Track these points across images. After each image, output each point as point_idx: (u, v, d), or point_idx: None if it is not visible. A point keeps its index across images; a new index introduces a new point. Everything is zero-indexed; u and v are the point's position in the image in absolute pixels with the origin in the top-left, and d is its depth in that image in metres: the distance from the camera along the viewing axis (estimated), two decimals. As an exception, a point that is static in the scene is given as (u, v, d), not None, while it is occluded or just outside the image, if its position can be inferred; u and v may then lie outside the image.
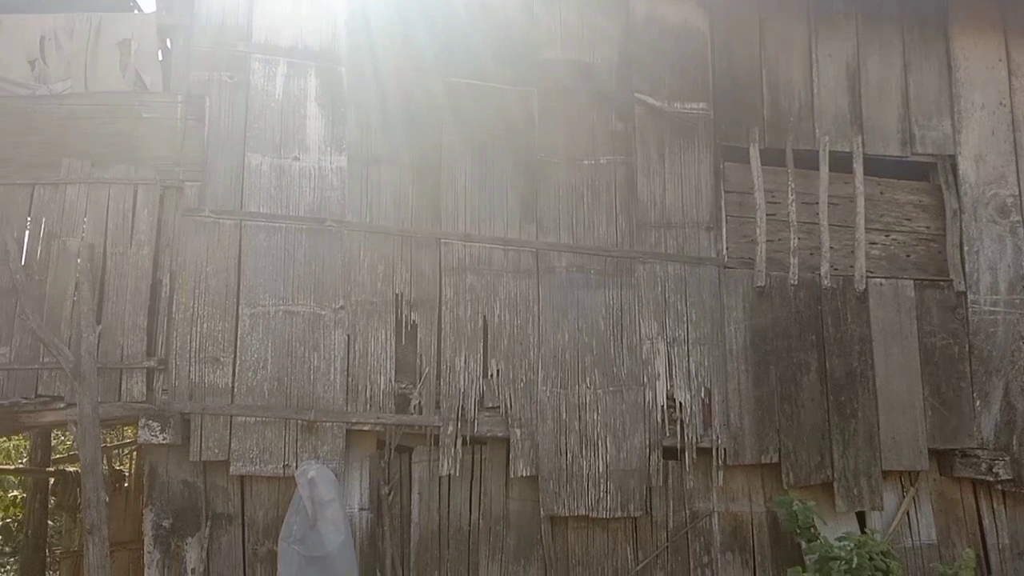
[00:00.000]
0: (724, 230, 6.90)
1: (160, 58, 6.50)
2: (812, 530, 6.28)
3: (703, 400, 6.53)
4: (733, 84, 7.18)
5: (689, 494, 6.49)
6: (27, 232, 5.97)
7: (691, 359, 6.56)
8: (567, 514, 6.23)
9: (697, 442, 6.45)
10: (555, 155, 6.70)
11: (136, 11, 7.42)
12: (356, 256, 6.24)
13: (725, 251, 6.86)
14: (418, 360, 6.21)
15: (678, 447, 6.44)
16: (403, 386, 6.17)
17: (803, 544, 6.34)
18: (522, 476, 6.20)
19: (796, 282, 6.89)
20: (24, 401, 5.64)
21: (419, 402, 6.14)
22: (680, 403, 6.48)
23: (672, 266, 6.68)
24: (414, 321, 6.26)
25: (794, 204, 7.00)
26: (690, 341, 6.59)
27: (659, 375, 6.47)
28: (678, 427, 6.45)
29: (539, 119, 6.72)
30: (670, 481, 6.43)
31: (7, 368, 5.68)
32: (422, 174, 6.48)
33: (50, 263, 5.87)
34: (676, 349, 6.55)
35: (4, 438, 11.83)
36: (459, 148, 6.55)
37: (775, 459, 6.60)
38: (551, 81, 6.80)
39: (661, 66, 7.02)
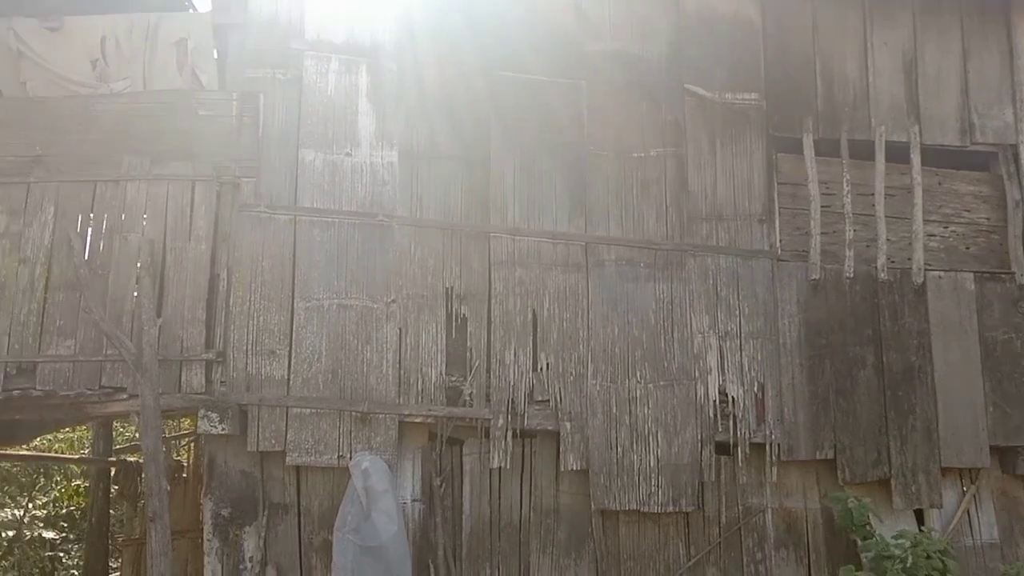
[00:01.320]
0: (777, 222, 6.81)
1: (215, 56, 6.63)
2: (867, 528, 6.17)
3: (756, 395, 6.45)
4: (785, 74, 7.07)
5: (742, 490, 6.42)
6: (90, 228, 6.15)
7: (744, 353, 6.49)
8: (618, 508, 6.21)
9: (750, 437, 6.38)
10: (604, 148, 6.67)
11: (191, 10, 7.58)
12: (406, 250, 6.30)
13: (778, 244, 6.76)
14: (468, 353, 6.25)
15: (731, 442, 6.37)
16: (454, 379, 6.21)
17: (859, 542, 6.23)
18: (572, 470, 6.20)
19: (852, 275, 6.75)
20: (89, 392, 5.82)
21: (469, 395, 6.17)
22: (732, 398, 6.41)
23: (724, 259, 6.61)
24: (464, 314, 6.30)
25: (849, 195, 6.86)
26: (743, 335, 6.51)
27: (711, 369, 6.41)
28: (730, 422, 6.38)
29: (588, 112, 6.70)
30: (722, 476, 6.37)
31: (72, 360, 5.87)
32: (471, 168, 6.52)
33: (112, 258, 6.05)
34: (728, 343, 6.48)
35: (68, 429, 12.22)
36: (507, 142, 6.57)
37: (830, 455, 6.50)
38: (599, 73, 6.78)
39: (712, 57, 6.95)
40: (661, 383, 6.35)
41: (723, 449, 6.40)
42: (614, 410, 6.27)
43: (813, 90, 7.09)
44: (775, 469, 6.39)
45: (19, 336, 5.91)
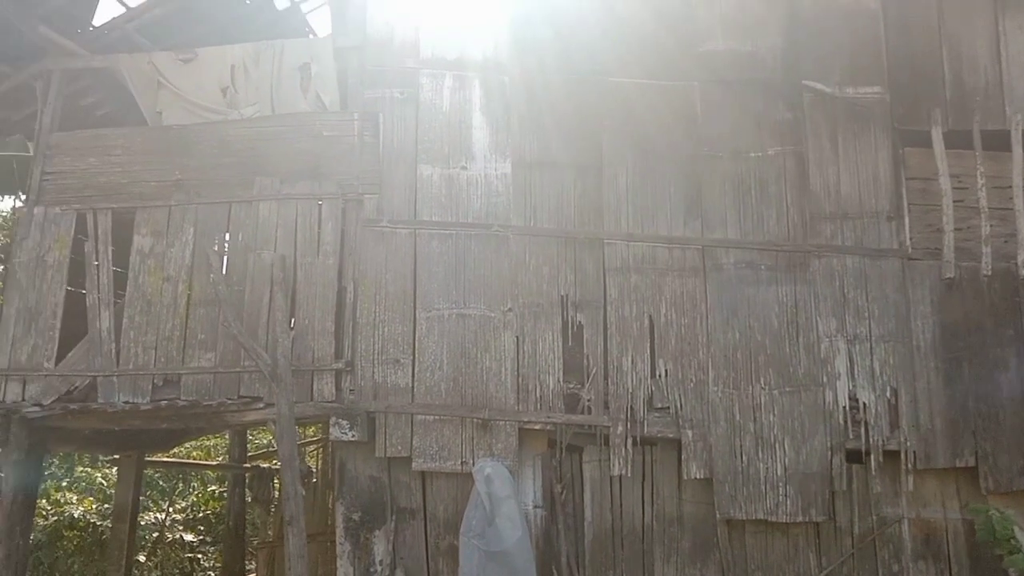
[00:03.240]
0: (906, 219, 6.51)
1: (337, 79, 6.91)
2: (1012, 542, 5.78)
3: (889, 400, 6.18)
4: (910, 64, 6.76)
5: (876, 499, 6.15)
6: (226, 246, 6.53)
7: (874, 357, 6.22)
8: (744, 518, 6.06)
9: (883, 444, 6.11)
10: (719, 149, 6.57)
11: (311, 35, 7.94)
12: (522, 259, 6.38)
13: (908, 242, 6.46)
14: (585, 360, 6.26)
15: (862, 450, 6.12)
16: (571, 386, 6.23)
17: (1005, 557, 5.86)
18: (695, 478, 6.10)
19: (989, 272, 6.37)
20: (229, 402, 6.17)
21: (588, 402, 6.18)
22: (863, 403, 6.16)
23: (850, 259, 6.37)
24: (580, 322, 6.32)
25: (984, 189, 6.48)
26: (873, 338, 6.25)
27: (839, 374, 6.18)
28: (862, 429, 6.13)
29: (701, 113, 6.62)
30: (855, 485, 6.12)
31: (213, 372, 6.23)
32: (583, 175, 6.54)
33: (247, 274, 6.40)
34: (857, 347, 6.23)
35: (205, 437, 12.94)
36: (619, 147, 6.56)
37: (971, 463, 6.14)
38: (712, 73, 6.68)
39: (830, 50, 6.73)
40: (787, 389, 6.17)
41: (854, 457, 6.15)
42: (737, 417, 6.14)
43: (940, 80, 6.76)
44: (911, 478, 6.10)
45: (165, 350, 6.33)
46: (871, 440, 6.10)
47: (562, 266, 6.40)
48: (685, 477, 6.11)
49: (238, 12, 8.28)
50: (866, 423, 6.13)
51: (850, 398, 6.16)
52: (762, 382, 6.19)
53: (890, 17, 6.82)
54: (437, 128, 6.55)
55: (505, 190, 6.47)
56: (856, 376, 6.19)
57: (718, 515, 6.07)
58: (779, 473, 6.06)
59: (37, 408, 6.33)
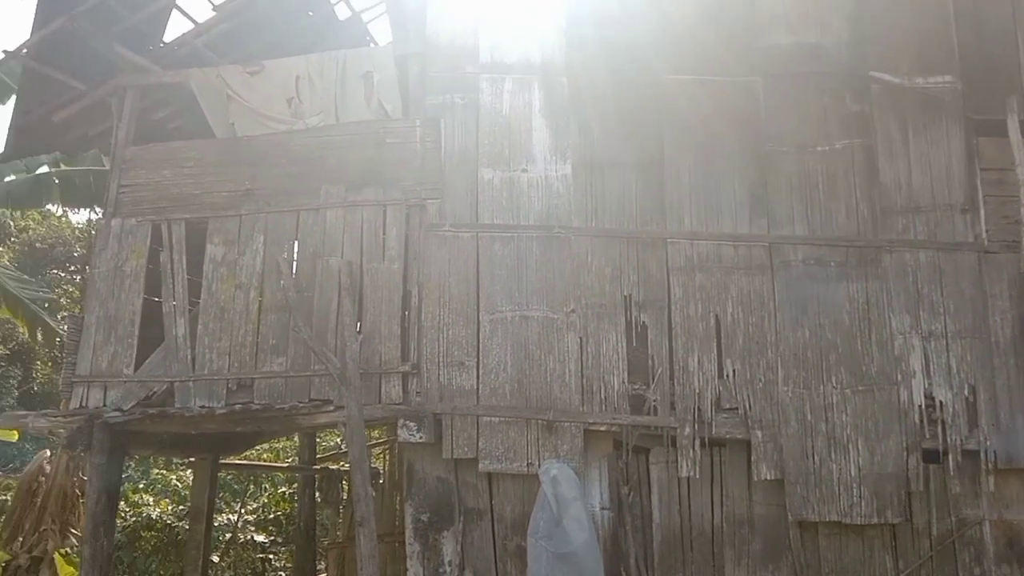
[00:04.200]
0: (982, 212, 6.30)
1: (398, 86, 7.01)
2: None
3: (967, 398, 5.98)
4: (982, 52, 6.54)
5: (955, 500, 5.95)
6: (295, 253, 6.69)
7: (951, 354, 6.03)
8: (817, 519, 5.94)
9: (962, 444, 5.91)
10: (784, 144, 6.46)
11: (372, 44, 8.07)
12: (584, 260, 6.37)
13: (984, 234, 6.25)
14: (650, 361, 6.22)
15: (940, 450, 5.93)
16: (636, 387, 6.20)
17: (1098, 560, 5.62)
18: (766, 479, 6.00)
19: (1072, 264, 6.13)
20: (300, 405, 6.31)
21: (653, 403, 6.13)
22: (940, 402, 5.98)
23: (924, 254, 6.19)
24: (644, 322, 6.28)
25: (1065, 178, 6.23)
26: (949, 335, 6.06)
27: (915, 372, 6.01)
28: (939, 428, 5.95)
29: (765, 108, 6.52)
30: (932, 486, 5.94)
31: (284, 376, 6.39)
32: (645, 174, 6.50)
33: (316, 280, 6.54)
34: (933, 344, 6.05)
35: (274, 439, 13.23)
36: (681, 145, 6.50)
37: (1057, 462, 5.91)
38: (776, 67, 6.58)
39: (898, 40, 6.56)
40: (859, 388, 6.02)
41: (931, 457, 5.97)
42: (808, 417, 6.02)
43: (1016, 67, 6.54)
44: (992, 478, 5.89)
45: (238, 355, 6.52)
46: (949, 439, 5.92)
47: (625, 266, 6.37)
48: (755, 478, 6.02)
49: (301, 24, 8.48)
50: (943, 422, 5.95)
51: (926, 396, 5.99)
52: (834, 381, 6.06)
53: (960, 5, 6.62)
54: (497, 132, 6.59)
55: (566, 191, 6.48)
56: (932, 374, 6.01)
57: (790, 517, 5.96)
58: (853, 474, 5.92)
59: (118, 413, 6.57)
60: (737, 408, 6.08)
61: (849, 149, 6.41)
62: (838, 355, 6.08)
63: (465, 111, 6.63)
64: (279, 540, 13.06)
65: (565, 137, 6.56)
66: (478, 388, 6.20)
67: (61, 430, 6.84)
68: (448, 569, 6.09)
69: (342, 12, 8.97)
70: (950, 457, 5.90)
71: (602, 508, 6.12)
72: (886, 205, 6.28)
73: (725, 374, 6.14)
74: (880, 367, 6.04)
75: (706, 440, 6.05)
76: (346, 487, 11.23)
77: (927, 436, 5.94)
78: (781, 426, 6.01)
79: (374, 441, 11.72)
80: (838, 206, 6.34)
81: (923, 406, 5.97)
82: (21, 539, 10.59)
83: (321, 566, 11.34)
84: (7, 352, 20.81)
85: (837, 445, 5.95)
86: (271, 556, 12.88)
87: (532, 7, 6.76)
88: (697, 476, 6.04)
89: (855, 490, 5.90)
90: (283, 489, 13.65)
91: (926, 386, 6.00)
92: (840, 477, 5.92)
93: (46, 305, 11.58)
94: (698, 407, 6.07)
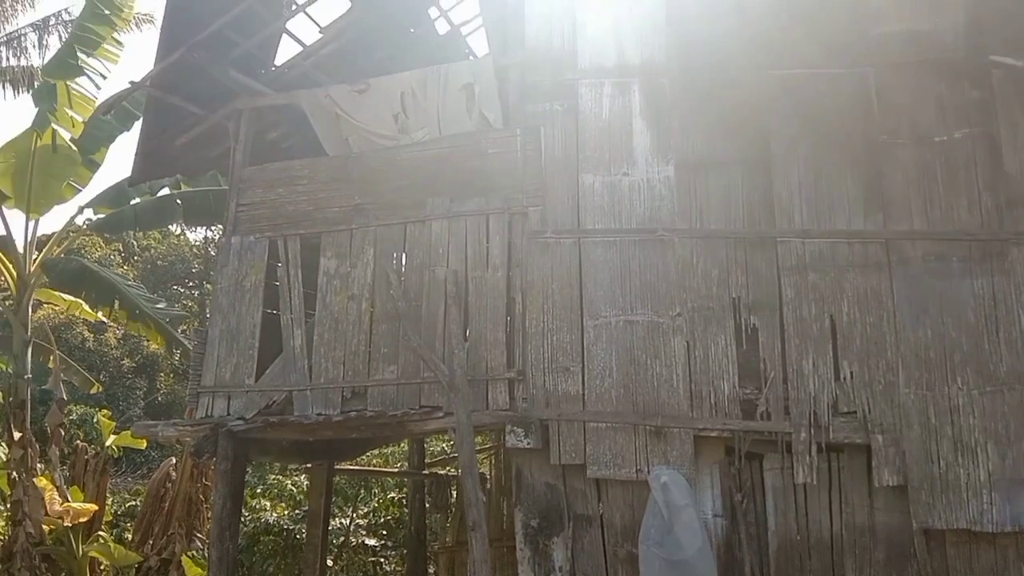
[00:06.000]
0: (1121, 199, 5.88)
1: (498, 95, 7.11)
2: None
3: (1112, 399, 5.59)
4: (1116, 28, 6.11)
5: (1098, 507, 5.56)
6: (403, 264, 6.88)
7: (1091, 351, 5.65)
8: (944, 527, 5.65)
9: (1106, 447, 5.53)
10: (899, 135, 6.19)
11: (471, 56, 8.21)
12: (689, 262, 6.29)
13: (1124, 223, 5.83)
14: (761, 364, 6.06)
15: (1081, 454, 5.56)
16: (747, 391, 6.06)
17: None
18: (888, 486, 5.75)
19: None
20: (411, 411, 6.48)
21: (766, 408, 5.98)
22: (1081, 403, 5.60)
23: (1056, 246, 5.83)
24: (754, 324, 6.14)
25: None
26: (1086, 331, 5.68)
27: (1049, 371, 5.66)
28: (1080, 430, 5.57)
29: (877, 99, 6.27)
30: (1073, 493, 5.57)
31: (396, 383, 6.58)
32: (751, 172, 6.36)
33: (423, 290, 6.72)
34: (1069, 341, 5.69)
35: (383, 445, 13.59)
36: (789, 141, 6.33)
37: None
38: (887, 57, 6.32)
39: (1019, 22, 6.19)
40: (988, 389, 5.70)
41: (1072, 462, 5.59)
42: (932, 420, 5.74)
43: None
44: None
45: (352, 364, 6.75)
46: (1093, 443, 5.54)
47: (732, 268, 6.25)
48: (876, 484, 5.77)
49: (403, 40, 8.73)
50: (1086, 425, 5.57)
51: (1064, 397, 5.62)
52: (959, 382, 5.76)
53: (1090, -22, 6.21)
54: (597, 136, 6.60)
55: (669, 193, 6.41)
56: (1070, 373, 5.65)
57: (915, 524, 5.69)
58: (983, 479, 5.61)
59: (241, 422, 6.90)
60: (855, 412, 5.86)
61: (969, 138, 6.10)
62: (963, 355, 5.78)
63: (565, 117, 6.67)
64: (389, 544, 13.38)
65: (666, 138, 6.50)
66: (584, 393, 6.20)
67: (188, 438, 7.25)
68: (559, 575, 6.11)
69: (441, 27, 9.18)
70: (1093, 461, 5.53)
71: (715, 515, 6.01)
72: (1011, 196, 5.93)
73: (842, 376, 5.93)
74: (1010, 367, 5.70)
75: (823, 445, 5.85)
76: (454, 492, 11.42)
77: (1066, 439, 5.58)
78: (903, 430, 5.75)
79: (479, 447, 11.88)
80: (959, 199, 6.03)
81: (1061, 407, 5.60)
82: (151, 542, 11.27)
83: (432, 570, 11.56)
84: (134, 365, 22.16)
85: (965, 449, 5.65)
86: (382, 559, 13.21)
87: (630, 11, 6.74)
88: (814, 482, 5.84)
89: (985, 496, 5.58)
90: (392, 494, 14.00)
91: (1064, 386, 5.63)
92: (968, 483, 5.62)
93: (167, 320, 12.26)
94: (814, 411, 5.88)
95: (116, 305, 11.73)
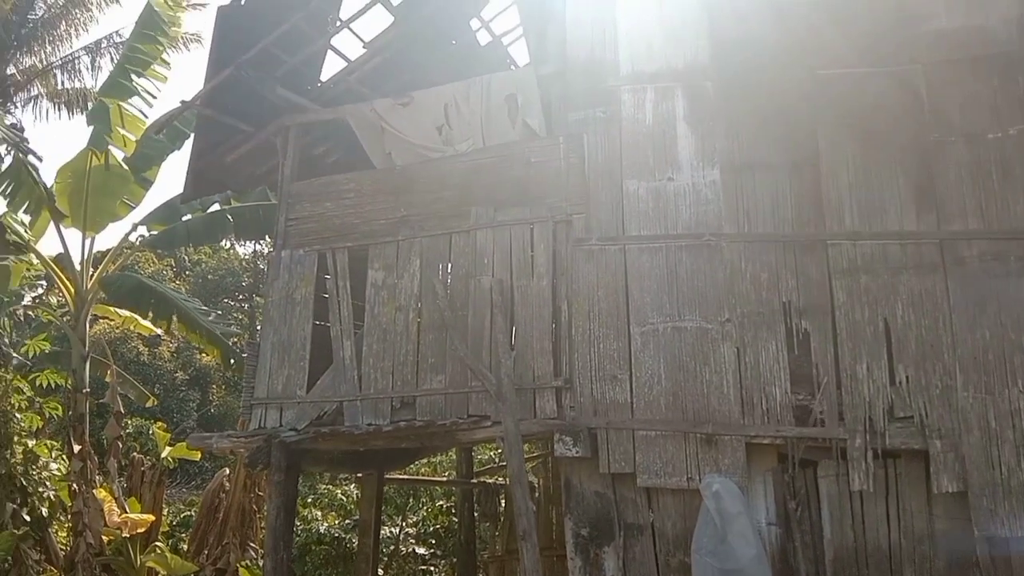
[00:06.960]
0: None
1: (541, 106, 7.13)
2: None
3: None
4: None
5: None
6: (449, 275, 6.92)
7: None
8: (1007, 535, 5.48)
9: None
10: (951, 133, 6.06)
11: (513, 67, 8.25)
12: (737, 267, 6.22)
13: None
14: (814, 369, 5.96)
15: None
16: (800, 397, 5.96)
17: None
18: (947, 492, 5.61)
19: None
20: (460, 421, 6.50)
21: (819, 414, 5.87)
22: None
23: (1120, 243, 5.64)
24: (805, 329, 6.04)
25: None
26: None
27: (1115, 373, 5.47)
28: None
29: (928, 96, 6.14)
30: None
31: (444, 393, 6.61)
32: (799, 174, 6.28)
33: (469, 299, 6.75)
34: None
35: (432, 454, 13.65)
36: (837, 141, 6.23)
37: None
38: (938, 54, 6.19)
39: (1077, 12, 6.03)
40: (1051, 391, 5.54)
41: None
42: (993, 424, 5.59)
43: None
44: None
45: (401, 374, 6.81)
46: None
47: (782, 272, 6.16)
48: (935, 491, 5.63)
49: (446, 52, 8.80)
50: None
51: None
52: (1020, 385, 5.60)
53: None
54: (641, 142, 6.57)
55: (715, 197, 6.36)
56: None
57: (976, 531, 5.53)
58: (1048, 485, 5.44)
59: (293, 432, 6.99)
60: (912, 416, 5.72)
61: (1025, 134, 5.94)
62: (1023, 357, 5.63)
63: (608, 124, 6.66)
64: (438, 553, 13.42)
65: (711, 142, 6.45)
66: (632, 402, 6.16)
67: (242, 449, 7.36)
68: (611, 584, 6.07)
69: (483, 37, 9.24)
70: None
71: (768, 523, 5.91)
72: (1072, 192, 5.77)
73: (897, 381, 5.80)
74: (1075, 368, 5.54)
75: (879, 451, 5.73)
76: (503, 500, 11.42)
77: None
78: (962, 434, 5.60)
79: (527, 455, 11.86)
80: (1016, 196, 5.86)
81: None
82: (206, 552, 11.48)
83: (482, 578, 11.56)
84: (187, 377, 22.65)
85: (1029, 454, 5.49)
86: (432, 568, 13.26)
87: (671, 15, 6.71)
88: (871, 489, 5.72)
89: (1052, 503, 5.41)
90: (440, 503, 14.05)
91: None
92: (1034, 489, 5.45)
93: (218, 333, 12.52)
94: (869, 417, 5.76)
95: (175, 319, 12.02)
